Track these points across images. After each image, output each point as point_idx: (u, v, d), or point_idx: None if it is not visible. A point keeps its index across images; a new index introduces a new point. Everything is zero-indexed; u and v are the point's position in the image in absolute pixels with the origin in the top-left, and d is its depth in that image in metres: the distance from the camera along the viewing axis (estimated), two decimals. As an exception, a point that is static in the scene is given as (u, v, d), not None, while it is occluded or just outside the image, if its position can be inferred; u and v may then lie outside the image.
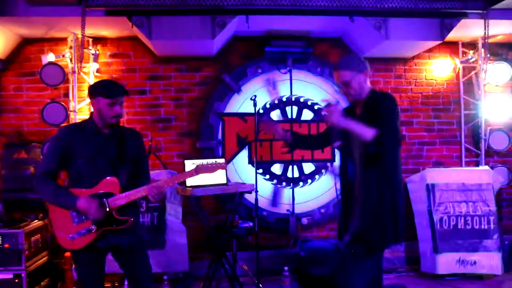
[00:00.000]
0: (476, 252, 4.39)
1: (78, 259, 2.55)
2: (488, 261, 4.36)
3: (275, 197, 4.81)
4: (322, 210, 4.86)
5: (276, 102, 4.83)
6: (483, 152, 5.02)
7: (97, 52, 4.57)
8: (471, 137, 5.18)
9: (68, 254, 3.98)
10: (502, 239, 4.48)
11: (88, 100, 4.52)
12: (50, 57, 4.36)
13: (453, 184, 4.55)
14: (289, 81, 4.83)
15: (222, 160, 3.56)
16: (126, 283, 3.98)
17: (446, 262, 4.37)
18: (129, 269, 2.65)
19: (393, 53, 4.84)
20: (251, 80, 4.78)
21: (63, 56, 4.42)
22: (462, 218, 4.47)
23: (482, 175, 4.62)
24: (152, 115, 4.71)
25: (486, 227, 4.45)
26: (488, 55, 4.86)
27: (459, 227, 4.45)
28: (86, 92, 4.58)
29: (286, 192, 4.84)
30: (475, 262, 4.35)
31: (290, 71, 4.81)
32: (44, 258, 3.92)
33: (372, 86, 2.67)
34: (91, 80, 4.51)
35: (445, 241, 4.42)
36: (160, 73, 4.74)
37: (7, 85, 4.57)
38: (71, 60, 4.41)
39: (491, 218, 4.47)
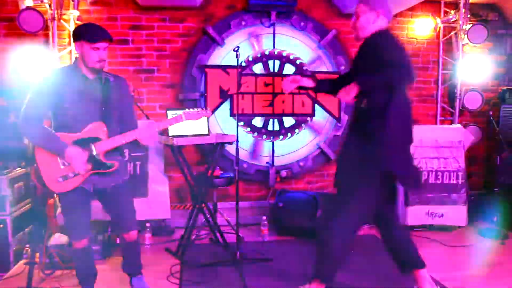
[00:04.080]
0: (444, 205, 4.63)
1: (65, 202, 2.62)
2: (454, 213, 4.61)
3: (255, 149, 4.94)
4: (301, 163, 5.02)
5: (259, 55, 4.85)
6: (457, 111, 5.19)
7: (78, -2, 4.46)
8: (447, 97, 5.34)
9: (51, 201, 4.05)
10: (468, 194, 4.73)
11: (69, 48, 4.47)
12: (27, 1, 4.23)
13: (427, 141, 4.73)
14: (272, 35, 4.83)
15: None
16: (109, 230, 4.11)
17: (416, 214, 4.60)
18: (114, 211, 2.74)
19: (376, 10, 4.86)
20: (235, 33, 4.77)
21: (42, 1, 4.29)
22: (433, 173, 4.68)
23: (455, 133, 4.80)
24: (135, 65, 4.68)
25: (455, 182, 4.68)
26: (469, 16, 4.95)
27: (430, 181, 4.67)
28: (66, 40, 4.55)
29: (266, 145, 4.95)
30: (442, 215, 4.61)
31: (273, 25, 4.81)
32: (27, 205, 3.97)
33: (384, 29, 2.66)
34: (72, 28, 4.42)
35: (416, 194, 4.64)
36: (143, 23, 4.66)
37: (-17, 30, 4.45)
38: (50, 6, 4.28)
39: (460, 174, 4.69)
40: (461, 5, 4.92)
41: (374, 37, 2.61)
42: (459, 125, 4.98)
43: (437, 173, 4.68)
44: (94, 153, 2.47)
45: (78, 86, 2.50)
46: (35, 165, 2.51)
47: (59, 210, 3.99)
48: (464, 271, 3.59)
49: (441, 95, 5.27)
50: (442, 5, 5.14)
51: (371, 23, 2.61)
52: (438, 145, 4.72)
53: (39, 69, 4.13)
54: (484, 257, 3.92)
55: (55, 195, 3.72)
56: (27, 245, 3.75)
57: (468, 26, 4.95)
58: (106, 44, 2.51)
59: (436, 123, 5.27)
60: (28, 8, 4.16)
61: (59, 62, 4.35)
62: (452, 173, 4.69)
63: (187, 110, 2.67)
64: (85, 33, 2.48)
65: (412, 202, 4.60)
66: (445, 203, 4.63)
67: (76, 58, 2.57)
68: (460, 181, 4.68)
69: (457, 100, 5.17)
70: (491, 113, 4.90)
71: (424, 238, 4.43)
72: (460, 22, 4.97)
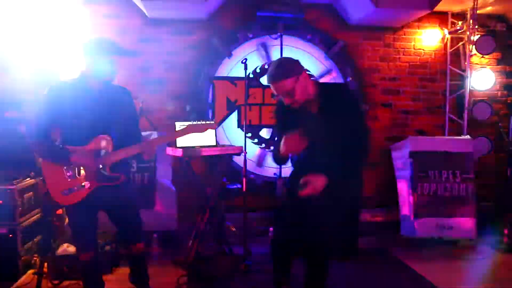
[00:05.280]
0: (453, 217, 4.57)
1: (72, 214, 2.63)
2: (463, 226, 4.55)
3: (260, 159, 4.93)
4: (308, 175, 5.00)
5: (266, 67, 4.88)
6: (465, 122, 5.15)
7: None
8: (455, 107, 5.31)
9: (60, 211, 4.08)
10: (478, 206, 4.67)
11: (79, 61, 4.52)
12: (41, 16, 4.33)
13: (435, 152, 4.70)
14: (279, 46, 4.86)
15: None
16: (117, 241, 4.12)
17: (425, 227, 4.55)
18: (120, 223, 2.75)
19: (383, 21, 4.88)
20: (242, 45, 4.80)
21: (54, 15, 4.39)
22: (442, 185, 4.64)
23: (463, 144, 4.77)
24: (143, 77, 4.73)
25: (464, 194, 4.63)
26: (477, 26, 4.94)
27: (439, 193, 4.62)
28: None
29: (274, 156, 4.95)
30: (451, 227, 4.55)
31: (281, 37, 4.83)
32: (37, 215, 4.00)
33: (313, 80, 2.62)
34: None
35: (425, 206, 4.58)
36: (151, 36, 4.72)
37: (-2, 42, 4.53)
38: (62, 19, 4.38)
39: (469, 186, 4.64)
40: (469, 16, 4.92)
41: (344, 98, 2.46)
42: (468, 137, 4.94)
43: (445, 184, 4.64)
44: (100, 166, 2.49)
45: (83, 100, 2.51)
46: (42, 178, 2.52)
47: (67, 220, 4.02)
48: (475, 285, 3.54)
49: (449, 106, 5.24)
50: (449, 16, 5.14)
51: (307, 84, 2.39)
52: (446, 157, 4.68)
53: (48, 82, 4.19)
54: (496, 270, 3.86)
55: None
56: (36, 255, 3.78)
57: (476, 36, 4.94)
58: (118, 57, 2.55)
59: (444, 134, 5.24)
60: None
61: (69, 75, 4.41)
62: (461, 185, 4.65)
63: (192, 122, 2.68)
64: (101, 46, 2.52)
65: (420, 214, 4.56)
66: (454, 215, 4.57)
67: (81, 71, 2.60)
68: (469, 193, 4.63)
69: (466, 111, 5.14)
70: (500, 124, 4.86)
71: (433, 251, 4.38)
72: (468, 33, 4.97)
